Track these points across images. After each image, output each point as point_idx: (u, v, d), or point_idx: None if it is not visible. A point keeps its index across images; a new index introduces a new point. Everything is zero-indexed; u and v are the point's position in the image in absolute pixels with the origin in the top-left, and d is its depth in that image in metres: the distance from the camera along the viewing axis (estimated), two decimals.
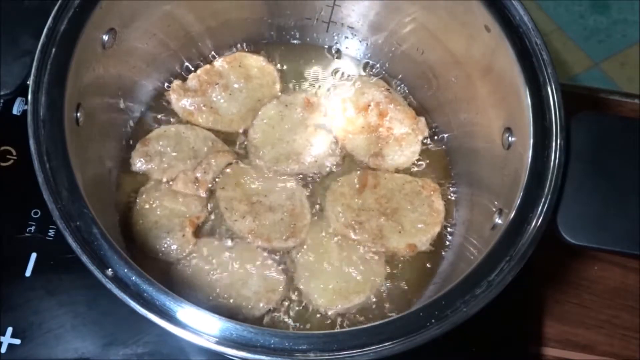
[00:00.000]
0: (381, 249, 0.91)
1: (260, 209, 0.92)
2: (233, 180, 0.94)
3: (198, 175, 0.92)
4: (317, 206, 0.95)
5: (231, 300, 0.86)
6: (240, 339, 0.63)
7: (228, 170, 0.95)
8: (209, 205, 0.93)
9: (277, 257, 0.91)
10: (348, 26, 1.04)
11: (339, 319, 0.89)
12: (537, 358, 1.01)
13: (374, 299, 0.90)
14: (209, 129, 0.98)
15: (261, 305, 0.87)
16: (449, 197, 0.98)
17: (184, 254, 0.89)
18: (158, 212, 0.91)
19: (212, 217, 0.93)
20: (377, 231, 0.92)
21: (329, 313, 0.88)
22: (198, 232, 0.91)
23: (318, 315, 0.89)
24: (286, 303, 0.89)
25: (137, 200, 0.92)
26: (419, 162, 1.00)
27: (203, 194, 0.93)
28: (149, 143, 0.95)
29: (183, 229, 0.89)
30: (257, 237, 0.90)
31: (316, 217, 0.94)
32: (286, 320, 0.88)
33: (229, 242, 0.91)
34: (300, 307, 0.89)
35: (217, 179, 0.94)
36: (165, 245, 0.89)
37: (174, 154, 0.94)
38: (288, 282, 0.89)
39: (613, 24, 2.17)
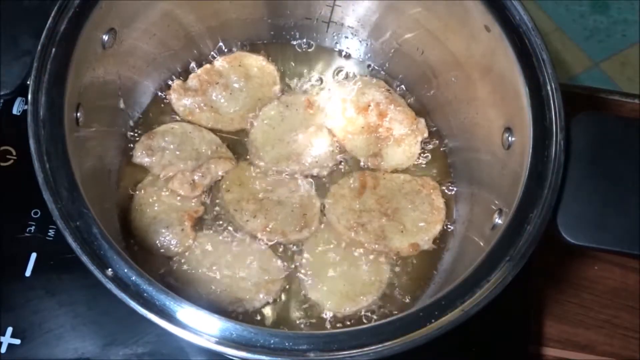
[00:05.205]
0: (384, 250, 0.91)
1: (269, 204, 0.92)
2: (237, 181, 0.94)
3: (195, 178, 0.92)
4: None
5: (231, 292, 0.86)
6: (240, 339, 0.63)
7: (223, 175, 0.94)
8: (208, 201, 0.93)
9: (279, 257, 0.91)
10: (348, 26, 1.04)
11: (340, 321, 0.89)
12: (537, 358, 1.01)
13: (378, 300, 0.90)
14: (211, 129, 0.98)
15: (261, 296, 0.87)
16: (449, 197, 0.97)
17: (184, 248, 0.89)
18: (156, 208, 0.91)
19: (211, 212, 0.93)
20: (379, 232, 0.92)
21: (338, 316, 0.88)
22: (197, 225, 0.91)
23: (319, 314, 0.89)
24: (288, 298, 0.89)
25: (135, 196, 0.92)
26: (419, 163, 1.00)
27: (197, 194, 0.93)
28: (154, 137, 0.95)
29: (182, 223, 0.89)
30: (272, 234, 0.90)
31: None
32: (290, 315, 0.89)
33: (228, 234, 0.91)
34: (304, 303, 0.89)
35: (219, 181, 0.94)
36: (165, 240, 0.89)
37: (177, 152, 0.94)
38: (288, 273, 0.89)
39: (613, 24, 2.17)
